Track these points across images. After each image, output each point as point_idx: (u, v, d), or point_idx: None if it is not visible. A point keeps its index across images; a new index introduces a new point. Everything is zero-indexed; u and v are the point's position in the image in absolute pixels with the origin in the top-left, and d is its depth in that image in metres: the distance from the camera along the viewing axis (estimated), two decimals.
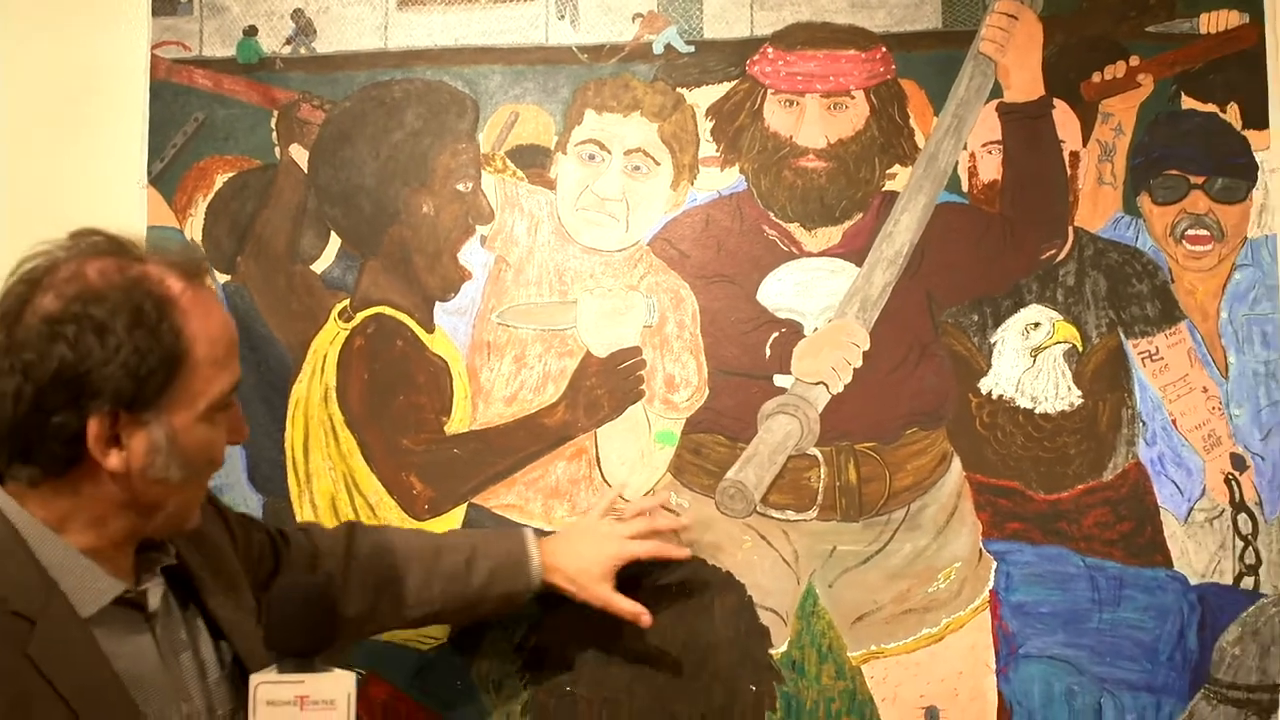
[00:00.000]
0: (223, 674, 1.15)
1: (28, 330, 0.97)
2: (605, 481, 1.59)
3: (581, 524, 1.53)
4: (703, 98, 1.61)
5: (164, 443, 1.01)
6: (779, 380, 1.58)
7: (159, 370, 0.99)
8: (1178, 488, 1.54)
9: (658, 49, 1.62)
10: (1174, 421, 1.54)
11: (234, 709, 1.14)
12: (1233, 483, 1.53)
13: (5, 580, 0.98)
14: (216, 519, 1.25)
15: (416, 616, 1.44)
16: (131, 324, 0.97)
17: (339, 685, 1.05)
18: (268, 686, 1.04)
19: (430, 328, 1.63)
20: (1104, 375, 1.55)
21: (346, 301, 1.64)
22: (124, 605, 1.05)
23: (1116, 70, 1.56)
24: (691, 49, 1.61)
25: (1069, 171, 1.57)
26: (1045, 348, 1.56)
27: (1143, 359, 1.55)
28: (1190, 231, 1.55)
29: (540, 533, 1.51)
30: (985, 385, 1.57)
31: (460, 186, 1.63)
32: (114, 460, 1.00)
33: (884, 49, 1.59)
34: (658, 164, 1.61)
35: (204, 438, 1.05)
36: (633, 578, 1.51)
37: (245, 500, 1.61)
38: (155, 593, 1.09)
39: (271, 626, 1.08)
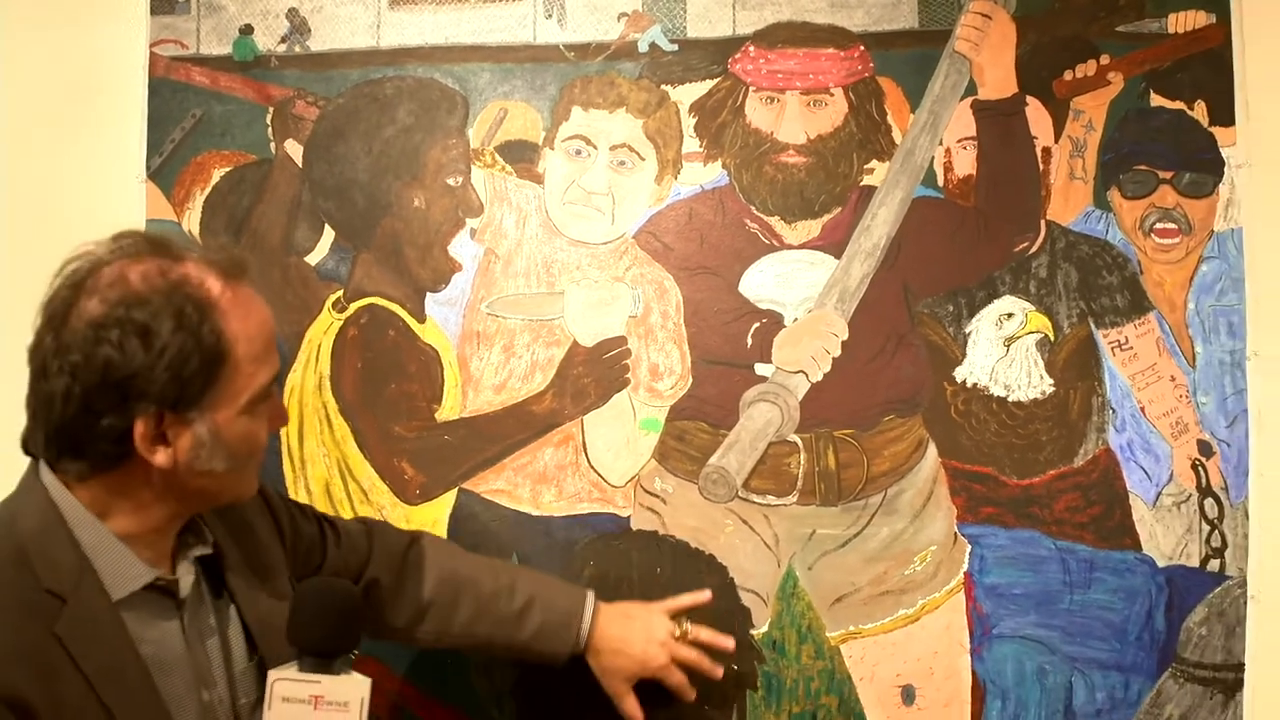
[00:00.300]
0: (250, 664, 1.16)
1: (74, 334, 0.99)
2: (592, 467, 1.62)
3: (643, 617, 1.47)
4: (686, 95, 1.64)
5: (208, 438, 1.04)
6: (760, 369, 1.61)
7: (202, 371, 1.01)
8: (1146, 473, 1.57)
9: (642, 47, 1.64)
10: (1143, 409, 1.57)
11: (259, 699, 1.13)
12: (1199, 468, 1.56)
13: (43, 559, 1.01)
14: (262, 509, 1.27)
15: (454, 645, 1.45)
16: (174, 327, 0.99)
17: (354, 689, 1.07)
18: (285, 683, 1.07)
19: (421, 318, 1.66)
20: (1075, 364, 1.58)
21: (340, 292, 1.67)
22: (156, 591, 1.08)
23: (1087, 69, 1.59)
24: (675, 47, 1.64)
25: (1041, 167, 1.60)
26: (1018, 337, 1.59)
27: (1112, 348, 1.58)
28: (1159, 225, 1.58)
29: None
30: (960, 374, 1.60)
31: (450, 181, 1.66)
32: (161, 457, 1.02)
33: (862, 48, 1.62)
34: (642, 159, 1.64)
35: (246, 429, 1.07)
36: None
37: None
38: (187, 580, 1.11)
39: (296, 623, 1.10)
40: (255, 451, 1.12)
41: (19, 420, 1.64)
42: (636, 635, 1.44)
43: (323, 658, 1.08)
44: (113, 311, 0.99)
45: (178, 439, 1.03)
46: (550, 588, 1.45)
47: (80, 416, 1.00)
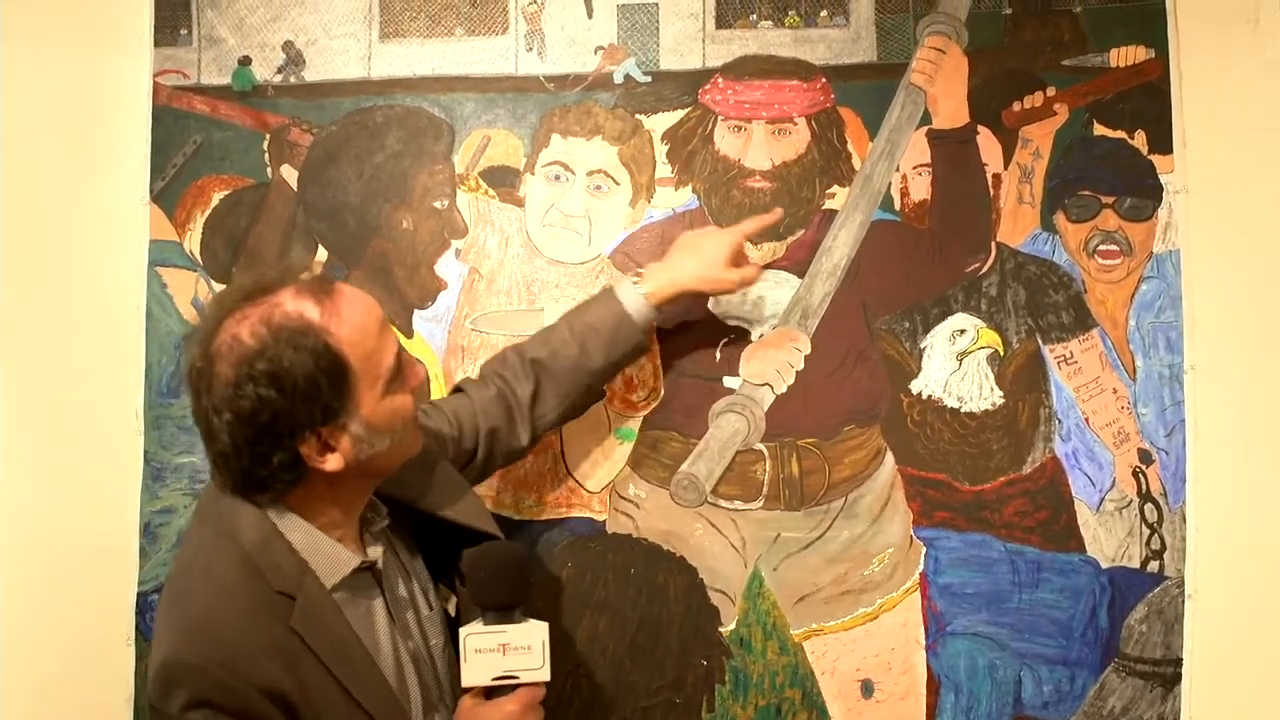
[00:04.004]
0: (433, 611, 1.32)
1: (219, 398, 1.11)
2: (570, 474, 1.69)
3: (688, 235, 1.59)
4: (659, 123, 1.70)
5: (364, 431, 1.15)
6: (728, 382, 1.67)
7: (332, 387, 1.12)
8: (1090, 480, 1.63)
9: (618, 79, 1.71)
10: (1087, 420, 1.63)
11: (445, 640, 1.30)
12: (1140, 475, 1.62)
13: (269, 566, 1.14)
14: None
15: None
16: (294, 363, 1.10)
17: (534, 634, 1.20)
18: (475, 638, 1.19)
19: (409, 333, 1.71)
20: (1023, 377, 1.64)
21: None
22: (357, 571, 1.21)
23: (1035, 100, 1.66)
24: (648, 79, 1.70)
25: (991, 192, 1.66)
26: (970, 352, 1.65)
27: (1058, 362, 1.64)
28: (1102, 247, 1.64)
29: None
30: (916, 386, 1.66)
31: (437, 204, 1.71)
32: (332, 463, 1.15)
33: (824, 79, 1.68)
34: (617, 184, 1.70)
35: (392, 408, 1.18)
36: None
37: None
38: (377, 552, 1.24)
39: (475, 587, 1.23)
40: (407, 420, 1.22)
41: (27, 423, 1.73)
42: (693, 240, 1.57)
43: (503, 611, 1.21)
44: (240, 371, 1.10)
45: (339, 443, 1.15)
46: (588, 310, 1.54)
47: (254, 461, 1.12)
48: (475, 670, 1.19)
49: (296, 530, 1.17)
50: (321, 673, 1.13)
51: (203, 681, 1.07)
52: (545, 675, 1.20)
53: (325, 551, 1.18)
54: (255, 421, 1.10)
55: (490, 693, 1.20)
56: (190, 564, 1.18)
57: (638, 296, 1.51)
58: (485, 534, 1.33)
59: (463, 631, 1.19)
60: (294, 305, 1.13)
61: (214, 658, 1.08)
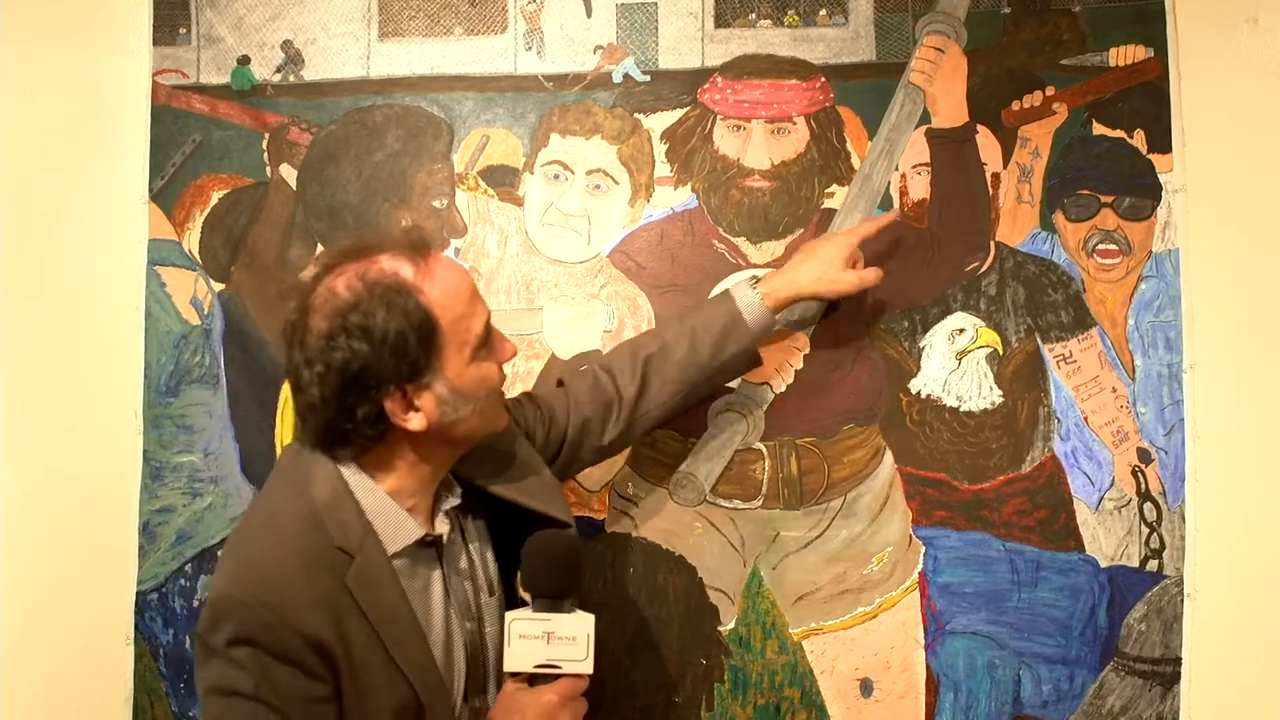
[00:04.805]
0: (493, 597, 1.32)
1: (311, 350, 1.15)
2: None
3: (807, 243, 1.60)
4: (658, 123, 1.70)
5: (448, 394, 1.18)
6: None
7: (420, 344, 1.15)
8: (1089, 479, 1.63)
9: (617, 78, 1.71)
10: (1086, 419, 1.63)
11: (501, 628, 1.27)
12: (1139, 474, 1.62)
13: (334, 522, 1.17)
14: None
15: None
16: (385, 318, 1.13)
17: (580, 625, 1.20)
18: (520, 623, 1.20)
19: None
20: (1022, 376, 1.64)
21: None
22: (421, 543, 1.23)
23: (1034, 99, 1.66)
24: (647, 78, 1.71)
25: (991, 191, 1.66)
26: (969, 351, 1.65)
27: (1057, 362, 1.64)
28: (1101, 246, 1.64)
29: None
30: (915, 385, 1.66)
31: (436, 203, 1.72)
32: (415, 422, 1.17)
33: (823, 79, 1.68)
34: (617, 183, 1.70)
35: (478, 375, 1.21)
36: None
37: (239, 490, 1.72)
38: (444, 528, 1.26)
39: (528, 572, 1.24)
40: (492, 390, 1.24)
41: (26, 422, 1.74)
42: (813, 245, 1.56)
43: (552, 599, 1.21)
44: (334, 323, 1.14)
45: (424, 402, 1.17)
46: (703, 309, 1.54)
47: (339, 413, 1.16)
48: (518, 656, 1.19)
49: (368, 494, 1.20)
50: (367, 632, 1.15)
51: (249, 619, 1.11)
52: (588, 668, 1.20)
53: (392, 518, 1.20)
54: (345, 372, 1.13)
55: (533, 680, 1.20)
56: (258, 510, 1.23)
57: (753, 297, 1.51)
58: (557, 521, 1.33)
59: (509, 616, 1.20)
60: (390, 264, 1.16)
61: (263, 597, 1.11)
